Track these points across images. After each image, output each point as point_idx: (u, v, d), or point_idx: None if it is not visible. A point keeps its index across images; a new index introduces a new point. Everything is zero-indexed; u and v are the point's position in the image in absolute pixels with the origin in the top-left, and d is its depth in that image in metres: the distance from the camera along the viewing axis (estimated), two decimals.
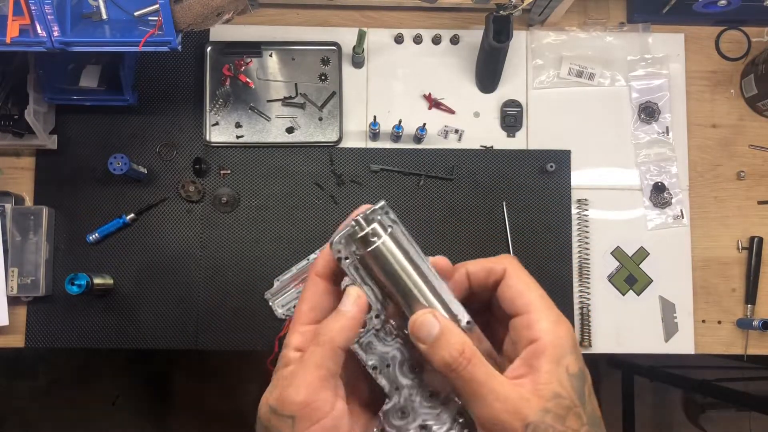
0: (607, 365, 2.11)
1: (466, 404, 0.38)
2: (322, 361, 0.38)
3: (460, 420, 0.39)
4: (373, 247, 0.38)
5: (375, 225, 0.38)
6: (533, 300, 0.40)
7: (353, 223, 0.39)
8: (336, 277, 0.42)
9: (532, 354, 0.38)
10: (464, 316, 0.39)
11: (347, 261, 0.39)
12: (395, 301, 0.39)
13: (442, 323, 0.38)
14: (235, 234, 1.08)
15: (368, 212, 0.39)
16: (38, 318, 1.06)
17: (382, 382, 0.40)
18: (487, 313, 0.44)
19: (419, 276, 0.38)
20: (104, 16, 0.88)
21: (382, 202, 0.39)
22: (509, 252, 1.08)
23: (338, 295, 0.41)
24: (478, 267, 0.42)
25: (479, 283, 0.42)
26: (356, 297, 0.40)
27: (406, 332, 0.39)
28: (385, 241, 0.38)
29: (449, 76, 1.13)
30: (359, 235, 0.38)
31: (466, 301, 0.41)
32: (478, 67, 1.12)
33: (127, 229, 1.08)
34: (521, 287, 0.41)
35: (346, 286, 0.40)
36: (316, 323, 0.40)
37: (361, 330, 0.40)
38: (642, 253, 1.10)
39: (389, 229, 0.38)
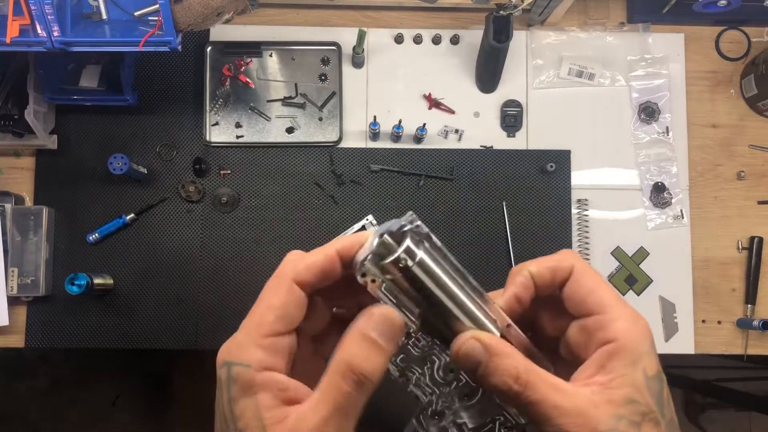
0: None
1: (531, 423, 0.34)
2: (351, 411, 0.32)
3: (500, 418, 0.36)
4: (407, 267, 0.33)
5: (408, 243, 0.33)
6: (607, 298, 0.36)
7: (381, 240, 0.33)
8: (313, 289, 0.36)
9: (606, 355, 0.34)
10: (504, 320, 0.35)
11: (373, 283, 0.33)
12: (432, 320, 0.34)
13: (489, 347, 0.33)
14: (235, 234, 1.08)
15: (395, 228, 0.33)
16: (38, 318, 1.06)
17: (417, 392, 0.36)
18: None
19: (460, 291, 0.34)
20: (104, 16, 0.88)
21: (410, 214, 0.35)
22: (509, 251, 1.08)
23: (306, 307, 0.35)
24: (541, 267, 0.37)
25: (545, 284, 0.37)
26: (394, 325, 0.33)
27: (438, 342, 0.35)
28: (421, 261, 0.33)
29: (449, 76, 1.13)
30: (391, 258, 0.33)
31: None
32: (478, 67, 1.12)
33: (127, 229, 1.08)
34: (592, 285, 0.36)
35: (369, 306, 0.34)
36: (278, 336, 0.34)
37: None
38: (642, 253, 1.10)
39: (421, 247, 0.33)
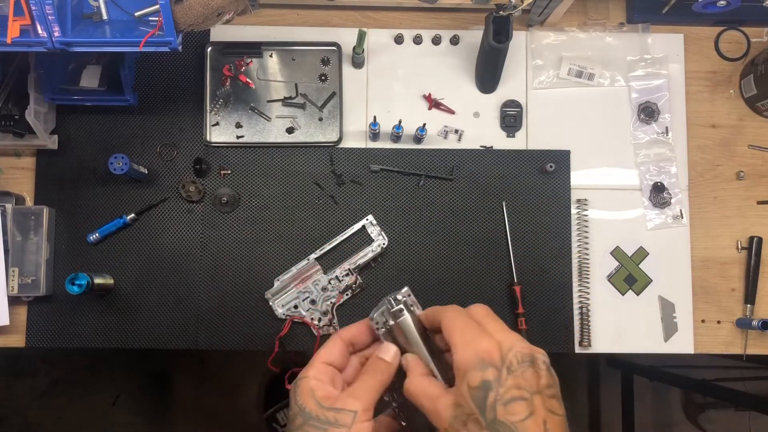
0: (606, 365, 2.11)
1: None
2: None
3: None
4: (399, 320, 0.58)
5: (396, 308, 0.59)
6: (452, 334, 0.54)
7: (387, 302, 0.59)
8: (352, 347, 0.61)
9: (455, 374, 0.53)
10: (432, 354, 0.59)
11: (381, 330, 0.60)
12: (403, 348, 0.59)
13: (408, 368, 0.58)
14: (235, 234, 1.09)
15: (397, 295, 0.59)
16: (39, 318, 1.06)
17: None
18: None
19: (423, 341, 0.58)
20: (105, 17, 0.88)
21: (406, 289, 0.61)
22: (509, 251, 1.08)
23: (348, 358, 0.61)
24: (429, 313, 0.59)
25: (431, 325, 0.60)
26: (395, 352, 0.59)
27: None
28: (405, 318, 0.58)
29: (449, 76, 1.13)
30: (391, 311, 0.59)
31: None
32: (477, 67, 1.12)
33: (127, 229, 1.08)
34: (448, 326, 0.55)
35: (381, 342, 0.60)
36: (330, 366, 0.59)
37: None
38: (641, 253, 1.11)
39: (403, 312, 0.59)
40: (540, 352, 0.53)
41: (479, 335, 0.53)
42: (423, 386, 0.55)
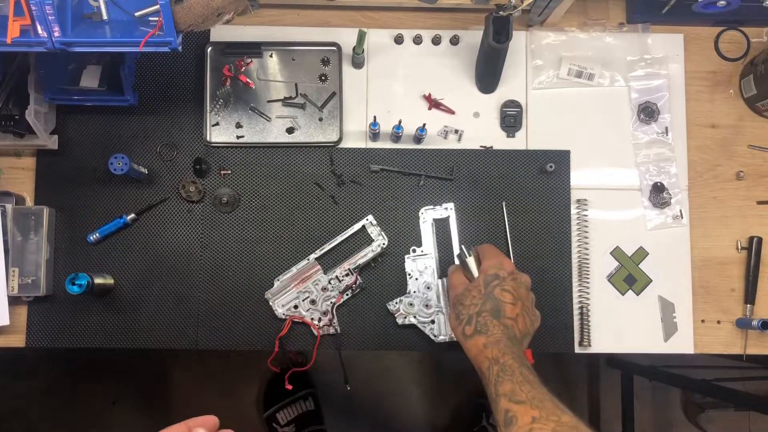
0: (606, 365, 2.11)
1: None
2: None
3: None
4: (466, 259, 0.97)
5: (461, 251, 0.99)
6: (485, 258, 0.94)
7: (461, 250, 0.98)
8: None
9: (481, 271, 0.93)
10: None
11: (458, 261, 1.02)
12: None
13: (451, 276, 0.98)
14: (235, 234, 1.09)
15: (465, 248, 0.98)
16: (39, 318, 1.06)
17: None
18: None
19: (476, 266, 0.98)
20: (105, 17, 0.88)
21: (463, 247, 0.99)
22: (509, 251, 1.08)
23: None
24: (478, 249, 0.98)
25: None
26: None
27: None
28: (464, 260, 0.98)
29: (449, 76, 1.13)
30: (459, 255, 1.01)
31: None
32: (477, 67, 1.12)
33: (127, 229, 1.08)
34: (483, 254, 0.95)
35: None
36: None
37: None
38: (641, 253, 1.11)
39: (469, 252, 0.97)
40: (528, 278, 0.95)
41: (501, 257, 0.94)
42: (457, 275, 0.96)
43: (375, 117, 1.07)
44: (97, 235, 1.06)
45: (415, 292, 1.06)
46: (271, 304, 1.06)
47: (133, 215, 1.07)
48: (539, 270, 1.09)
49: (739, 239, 1.12)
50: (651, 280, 1.10)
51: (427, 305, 1.05)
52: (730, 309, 1.11)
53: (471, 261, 0.94)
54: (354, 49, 1.09)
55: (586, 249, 1.10)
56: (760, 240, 1.11)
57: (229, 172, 1.10)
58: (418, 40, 1.14)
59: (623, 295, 1.10)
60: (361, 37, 1.05)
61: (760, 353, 1.10)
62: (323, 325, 1.06)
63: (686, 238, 1.11)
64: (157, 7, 0.81)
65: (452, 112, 1.13)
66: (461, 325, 0.89)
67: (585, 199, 1.11)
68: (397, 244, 1.09)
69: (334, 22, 1.15)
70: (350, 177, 1.10)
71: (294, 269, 1.07)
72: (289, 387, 1.14)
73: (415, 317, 1.05)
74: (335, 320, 1.06)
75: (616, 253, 1.11)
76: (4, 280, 1.02)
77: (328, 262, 1.08)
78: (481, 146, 1.12)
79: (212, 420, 0.67)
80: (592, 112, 1.14)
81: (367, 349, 1.08)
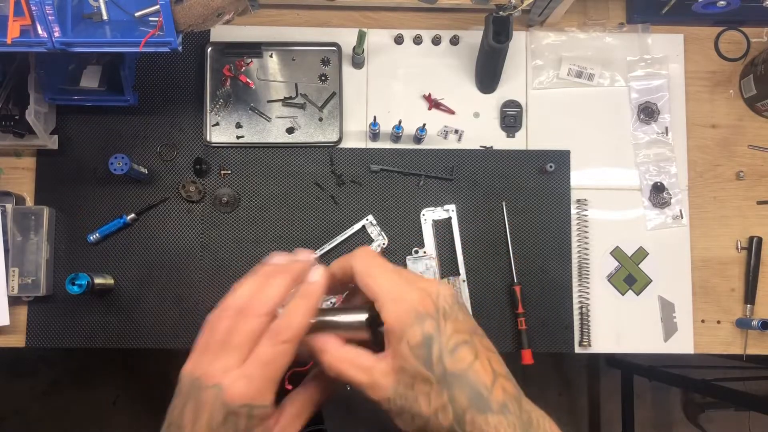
0: (606, 365, 2.11)
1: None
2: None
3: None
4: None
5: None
6: (375, 289, 0.47)
7: None
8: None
9: (387, 336, 0.46)
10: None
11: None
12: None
13: (332, 349, 0.49)
14: (235, 234, 1.09)
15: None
16: (39, 318, 1.06)
17: None
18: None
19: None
20: (105, 17, 0.88)
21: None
22: (509, 251, 1.08)
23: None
24: (336, 268, 0.52)
25: (343, 278, 0.52)
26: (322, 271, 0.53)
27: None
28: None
29: (449, 76, 1.13)
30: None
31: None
32: (477, 67, 1.12)
33: (127, 229, 1.08)
34: (366, 280, 0.48)
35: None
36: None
37: None
38: (641, 253, 1.11)
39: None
40: (450, 288, 0.48)
41: (405, 287, 0.46)
42: (350, 358, 0.47)
43: (375, 117, 1.07)
44: (97, 235, 1.06)
45: None
46: None
47: (133, 215, 1.07)
48: (539, 270, 1.09)
49: (739, 239, 1.12)
50: (651, 280, 1.10)
51: None
52: (730, 309, 1.11)
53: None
54: (354, 49, 1.09)
55: (586, 249, 1.10)
56: (760, 240, 1.11)
57: (229, 172, 1.10)
58: (418, 40, 1.14)
59: (623, 295, 1.10)
60: (361, 37, 1.05)
61: (760, 353, 1.10)
62: None
63: (686, 238, 1.11)
64: (157, 7, 0.81)
65: (452, 112, 1.13)
66: None
67: (585, 199, 1.11)
68: (397, 244, 1.09)
69: (334, 22, 1.14)
70: (350, 177, 1.10)
71: None
72: (289, 387, 1.14)
73: None
74: None
75: (616, 253, 1.11)
76: (4, 280, 1.02)
77: (328, 262, 1.08)
78: (481, 146, 1.12)
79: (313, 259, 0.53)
80: (592, 113, 1.14)
81: None
